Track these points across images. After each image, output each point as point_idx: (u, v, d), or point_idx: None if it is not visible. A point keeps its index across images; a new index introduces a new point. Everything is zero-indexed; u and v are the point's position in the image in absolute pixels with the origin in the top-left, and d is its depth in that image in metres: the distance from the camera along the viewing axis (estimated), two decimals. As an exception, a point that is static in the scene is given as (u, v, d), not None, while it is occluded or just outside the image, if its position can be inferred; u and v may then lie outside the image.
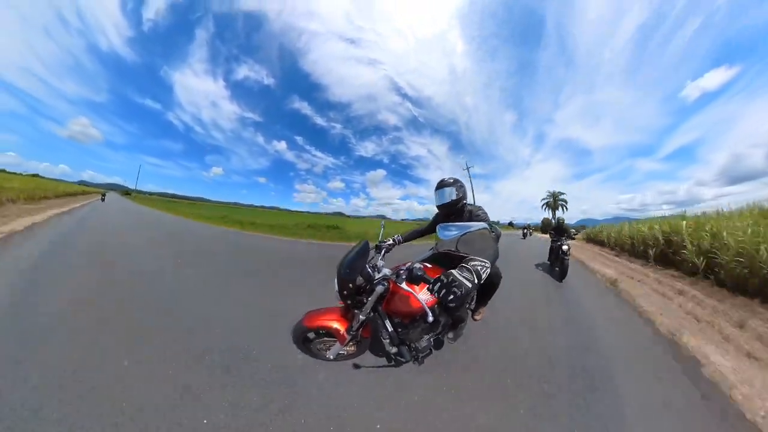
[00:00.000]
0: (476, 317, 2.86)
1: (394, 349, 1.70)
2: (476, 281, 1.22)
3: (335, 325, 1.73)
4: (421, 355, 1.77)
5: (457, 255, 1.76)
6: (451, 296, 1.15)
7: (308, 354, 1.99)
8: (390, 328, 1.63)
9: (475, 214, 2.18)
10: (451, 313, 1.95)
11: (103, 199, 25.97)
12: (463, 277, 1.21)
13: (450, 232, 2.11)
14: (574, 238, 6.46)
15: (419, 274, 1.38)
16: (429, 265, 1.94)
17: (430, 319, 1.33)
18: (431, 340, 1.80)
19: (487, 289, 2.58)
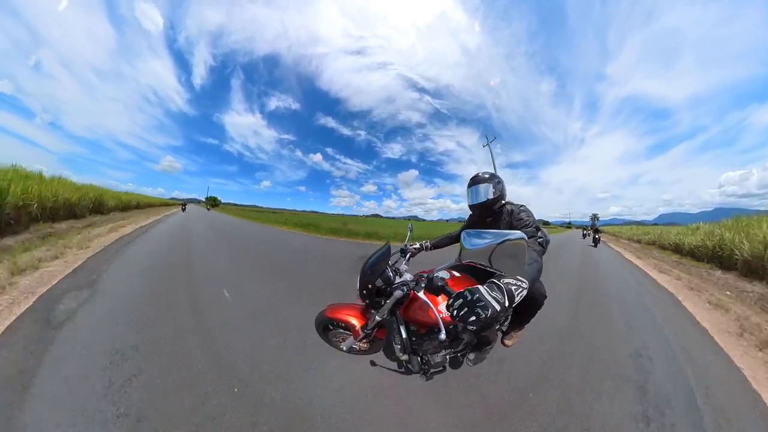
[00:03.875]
0: (507, 342, 2.33)
1: (404, 357, 1.66)
2: (507, 304, 1.02)
3: (353, 320, 1.78)
4: (431, 370, 1.67)
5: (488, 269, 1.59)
6: (473, 317, 0.98)
7: (325, 341, 2.12)
8: (404, 335, 1.58)
9: (516, 216, 1.87)
10: (476, 333, 1.71)
11: (183, 209, 26.69)
12: (492, 296, 1.01)
13: (477, 240, 1.74)
14: (601, 232, 16.13)
15: (440, 284, 1.27)
16: (458, 274, 1.73)
17: (443, 336, 1.19)
18: (447, 357, 1.68)
19: (525, 309, 2.07)
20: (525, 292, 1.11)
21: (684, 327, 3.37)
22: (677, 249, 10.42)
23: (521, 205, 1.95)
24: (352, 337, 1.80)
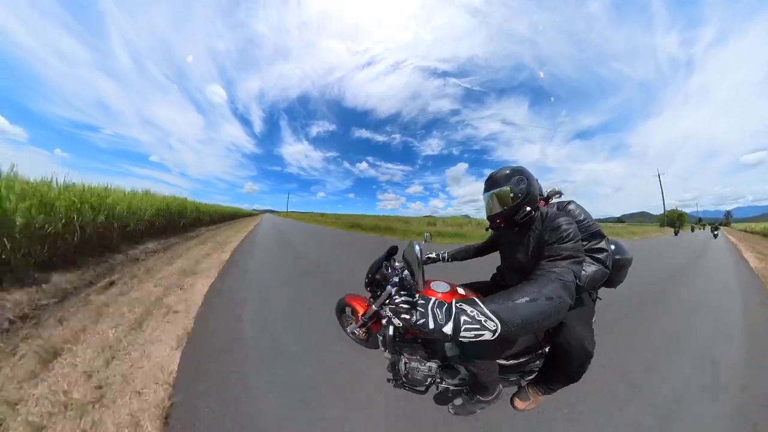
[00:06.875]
0: (519, 403, 1.67)
1: (386, 354, 1.72)
2: (447, 330, 0.82)
3: (358, 308, 1.97)
4: (405, 381, 1.61)
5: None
6: (405, 315, 0.89)
7: (339, 322, 2.37)
8: (390, 333, 1.49)
9: (551, 225, 1.20)
10: (470, 367, 1.43)
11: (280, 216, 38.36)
12: (433, 312, 0.85)
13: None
14: (719, 228, 20.42)
15: (407, 286, 1.25)
16: (461, 291, 1.56)
17: (390, 332, 1.24)
18: (432, 381, 1.58)
19: (557, 363, 1.46)
20: (489, 335, 0.82)
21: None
22: None
23: (566, 204, 1.39)
24: (354, 323, 2.02)
